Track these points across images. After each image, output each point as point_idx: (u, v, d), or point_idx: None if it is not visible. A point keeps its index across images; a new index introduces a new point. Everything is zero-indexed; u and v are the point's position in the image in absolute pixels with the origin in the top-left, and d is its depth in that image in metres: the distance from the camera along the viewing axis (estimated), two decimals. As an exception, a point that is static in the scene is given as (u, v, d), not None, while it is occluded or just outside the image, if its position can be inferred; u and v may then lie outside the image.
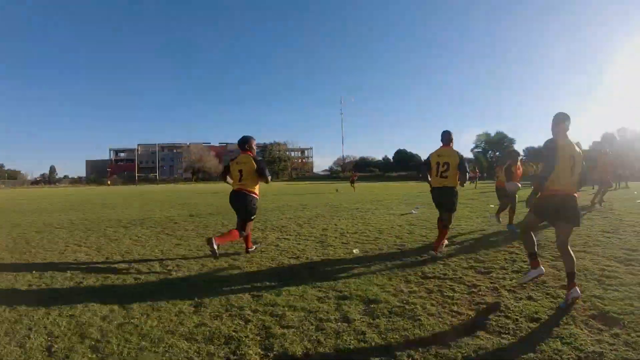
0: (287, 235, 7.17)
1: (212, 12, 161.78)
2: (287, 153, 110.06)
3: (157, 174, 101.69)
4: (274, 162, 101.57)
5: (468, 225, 8.07)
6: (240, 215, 5.36)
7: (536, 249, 3.90)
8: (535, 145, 74.10)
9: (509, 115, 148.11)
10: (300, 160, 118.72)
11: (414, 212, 10.44)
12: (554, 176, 3.53)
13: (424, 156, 61.96)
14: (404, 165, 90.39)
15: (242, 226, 5.36)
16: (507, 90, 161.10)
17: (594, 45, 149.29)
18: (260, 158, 5.40)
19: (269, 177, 5.28)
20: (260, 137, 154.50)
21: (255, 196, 5.36)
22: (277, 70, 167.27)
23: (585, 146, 67.65)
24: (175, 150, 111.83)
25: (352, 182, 26.32)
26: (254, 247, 5.84)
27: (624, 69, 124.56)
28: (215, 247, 4.85)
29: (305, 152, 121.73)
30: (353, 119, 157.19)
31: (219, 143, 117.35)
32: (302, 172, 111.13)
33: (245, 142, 5.39)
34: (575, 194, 3.62)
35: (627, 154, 40.22)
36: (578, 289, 3.44)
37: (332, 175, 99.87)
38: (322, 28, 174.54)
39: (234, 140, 60.44)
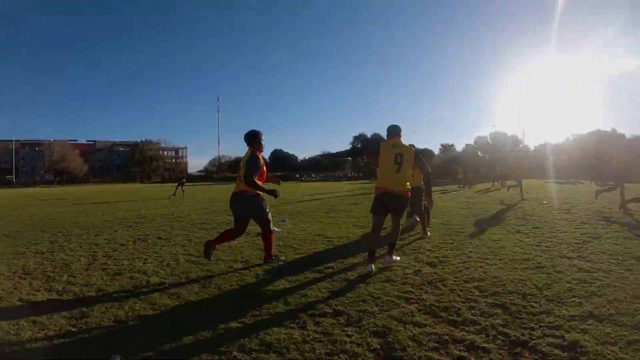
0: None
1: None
2: (160, 152, 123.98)
3: (14, 175, 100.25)
4: (145, 162, 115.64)
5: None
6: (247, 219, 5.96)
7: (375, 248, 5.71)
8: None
9: (384, 116, 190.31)
10: (174, 161, 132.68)
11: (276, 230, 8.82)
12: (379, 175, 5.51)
13: (300, 157, 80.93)
14: (280, 165, 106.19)
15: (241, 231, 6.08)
16: (377, 92, 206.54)
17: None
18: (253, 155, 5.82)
19: (250, 176, 5.56)
20: (131, 135, 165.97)
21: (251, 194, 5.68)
22: (151, 66, 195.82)
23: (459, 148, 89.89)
24: (37, 149, 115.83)
25: (181, 185, 26.62)
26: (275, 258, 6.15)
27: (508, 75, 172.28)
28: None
29: (180, 151, 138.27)
30: (231, 118, 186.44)
31: (87, 141, 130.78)
32: (176, 172, 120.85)
33: (247, 137, 5.96)
34: (396, 190, 5.53)
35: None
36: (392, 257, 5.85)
37: (207, 176, 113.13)
38: (198, 24, 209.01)
39: (103, 137, 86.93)
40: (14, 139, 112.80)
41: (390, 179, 5.61)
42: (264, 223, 6.03)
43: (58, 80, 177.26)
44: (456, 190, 26.71)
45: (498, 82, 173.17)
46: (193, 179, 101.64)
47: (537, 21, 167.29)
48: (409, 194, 5.81)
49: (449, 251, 6.97)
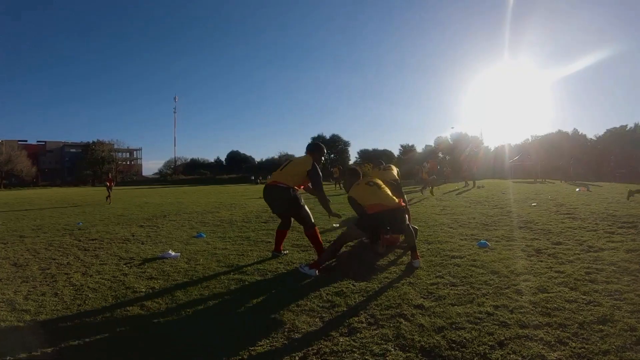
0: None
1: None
2: (113, 154, 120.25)
3: None
4: (97, 164, 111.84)
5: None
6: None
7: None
8: (369, 148, 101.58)
9: (341, 119, 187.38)
10: (127, 162, 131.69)
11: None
12: None
13: (257, 158, 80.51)
14: (236, 167, 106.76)
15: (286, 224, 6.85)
16: (343, 94, 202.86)
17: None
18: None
19: (320, 184, 6.49)
20: (82, 135, 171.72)
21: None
22: (102, 62, 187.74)
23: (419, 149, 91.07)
24: None
25: (109, 189, 23.87)
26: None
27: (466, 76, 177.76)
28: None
29: (134, 153, 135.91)
30: (187, 119, 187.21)
31: (37, 141, 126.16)
32: (130, 175, 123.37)
33: (312, 146, 6.73)
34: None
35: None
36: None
37: (160, 178, 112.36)
38: (153, 21, 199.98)
39: (54, 138, 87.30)
40: None
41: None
42: (302, 219, 6.41)
43: (6, 77, 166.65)
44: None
45: (456, 84, 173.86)
46: (146, 182, 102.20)
47: (490, 25, 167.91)
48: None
49: (458, 309, 4.25)
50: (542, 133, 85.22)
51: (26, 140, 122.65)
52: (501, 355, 3.16)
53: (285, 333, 3.73)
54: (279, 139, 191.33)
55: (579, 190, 20.63)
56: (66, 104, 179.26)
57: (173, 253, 7.39)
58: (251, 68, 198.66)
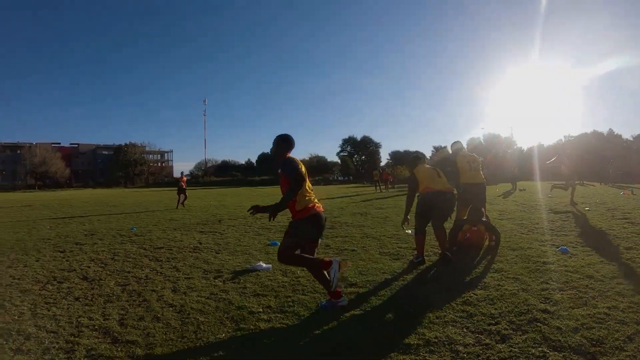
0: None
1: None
2: (145, 156, 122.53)
3: None
4: (129, 166, 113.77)
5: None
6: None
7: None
8: (401, 149, 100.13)
9: (371, 120, 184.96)
10: (158, 164, 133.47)
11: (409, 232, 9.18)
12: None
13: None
14: (267, 168, 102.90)
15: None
16: (372, 97, 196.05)
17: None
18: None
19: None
20: (114, 138, 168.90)
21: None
22: (135, 67, 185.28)
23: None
24: (18, 152, 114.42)
25: (182, 191, 21.52)
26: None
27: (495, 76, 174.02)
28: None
29: (165, 155, 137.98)
30: (217, 121, 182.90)
31: (70, 144, 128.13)
32: (161, 177, 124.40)
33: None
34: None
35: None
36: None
37: (192, 180, 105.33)
38: (183, 27, 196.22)
39: (87, 140, 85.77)
40: None
41: None
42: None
43: (41, 82, 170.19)
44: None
45: (487, 84, 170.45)
46: (177, 183, 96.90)
47: (522, 23, 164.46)
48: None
49: (578, 311, 4.50)
50: (575, 133, 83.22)
51: (59, 143, 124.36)
52: (634, 347, 3.50)
53: (447, 346, 3.66)
54: (309, 140, 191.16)
55: (623, 193, 20.29)
56: (98, 107, 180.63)
57: (264, 264, 6.85)
58: (279, 69, 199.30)
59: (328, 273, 4.68)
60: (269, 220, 4.57)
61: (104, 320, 4.87)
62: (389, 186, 36.34)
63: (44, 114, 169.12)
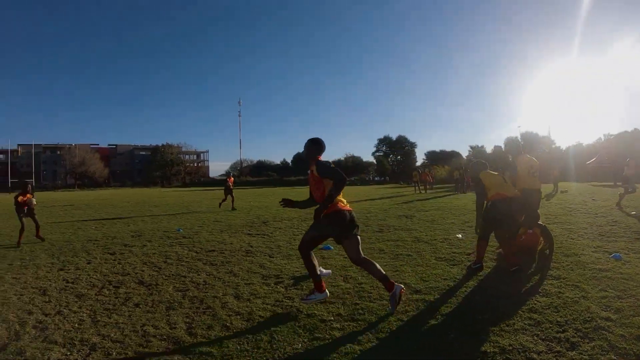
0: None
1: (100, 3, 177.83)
2: (181, 156, 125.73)
3: (33, 179, 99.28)
4: (166, 166, 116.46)
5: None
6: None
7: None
8: (437, 149, 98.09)
9: (405, 120, 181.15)
10: (195, 165, 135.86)
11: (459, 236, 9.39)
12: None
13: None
14: (302, 168, 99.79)
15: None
16: (407, 95, 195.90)
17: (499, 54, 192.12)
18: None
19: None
20: (151, 139, 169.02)
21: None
22: (171, 69, 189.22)
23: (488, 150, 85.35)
24: (58, 152, 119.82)
25: (229, 191, 21.15)
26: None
27: (531, 73, 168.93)
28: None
29: (201, 155, 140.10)
30: (252, 121, 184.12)
31: (108, 145, 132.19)
32: (197, 176, 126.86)
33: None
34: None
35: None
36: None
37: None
38: (217, 27, 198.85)
39: (125, 141, 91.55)
40: (33, 142, 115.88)
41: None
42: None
43: (80, 85, 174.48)
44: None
45: (523, 80, 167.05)
46: (213, 183, 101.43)
47: (561, 20, 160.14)
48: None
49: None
50: (615, 132, 78.75)
51: (98, 144, 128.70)
52: None
53: (522, 354, 3.66)
54: (344, 140, 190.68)
55: None
56: (136, 109, 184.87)
57: (324, 270, 6.58)
58: (314, 69, 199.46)
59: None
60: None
61: (170, 329, 4.66)
62: (428, 187, 35.47)
63: (82, 116, 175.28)
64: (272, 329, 4.39)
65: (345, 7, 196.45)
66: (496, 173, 6.96)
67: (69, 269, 7.82)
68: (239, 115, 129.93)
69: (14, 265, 8.22)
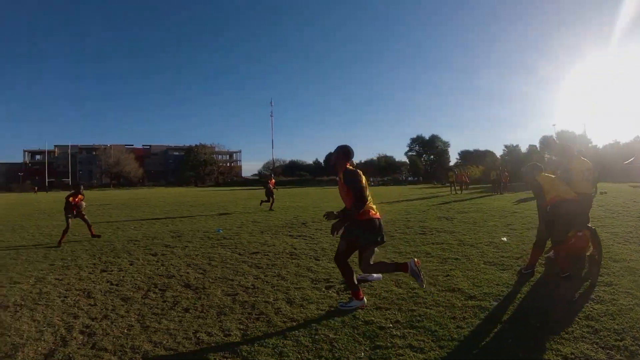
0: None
1: (138, 12, 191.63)
2: (214, 156, 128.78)
3: (69, 178, 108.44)
4: (199, 166, 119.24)
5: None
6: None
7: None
8: (470, 148, 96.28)
9: (441, 119, 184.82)
10: (227, 164, 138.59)
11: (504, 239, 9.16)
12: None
13: (355, 160, 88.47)
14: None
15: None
16: (439, 94, 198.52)
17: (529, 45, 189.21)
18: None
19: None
20: (185, 139, 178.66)
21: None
22: (204, 70, 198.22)
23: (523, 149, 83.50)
24: (94, 153, 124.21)
25: (270, 194, 20.46)
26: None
27: (564, 69, 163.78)
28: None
29: (234, 155, 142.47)
30: (285, 121, 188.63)
31: (142, 145, 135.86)
32: (230, 176, 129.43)
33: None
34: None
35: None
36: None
37: (261, 179, 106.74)
38: (249, 25, 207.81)
39: (159, 142, 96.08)
40: (70, 143, 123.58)
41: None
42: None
43: (115, 87, 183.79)
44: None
45: (557, 78, 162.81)
46: (246, 183, 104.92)
47: (596, 15, 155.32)
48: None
49: None
50: None
51: (132, 145, 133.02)
52: None
53: None
54: (376, 140, 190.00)
55: None
56: (170, 110, 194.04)
57: (375, 275, 6.41)
58: (345, 68, 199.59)
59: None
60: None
61: (224, 336, 4.45)
62: (463, 187, 34.81)
63: (117, 118, 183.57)
64: (331, 336, 4.23)
65: (383, 8, 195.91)
66: (553, 175, 6.88)
67: (112, 270, 7.71)
68: (271, 116, 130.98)
69: (56, 266, 8.19)
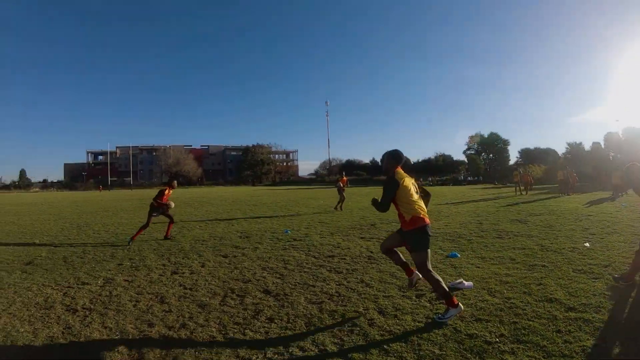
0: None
1: (196, 11, 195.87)
2: (271, 156, 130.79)
3: (131, 178, 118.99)
4: (256, 166, 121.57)
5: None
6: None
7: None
8: (531, 147, 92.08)
9: (498, 116, 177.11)
10: (284, 164, 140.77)
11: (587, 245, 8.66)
12: None
13: (413, 158, 73.43)
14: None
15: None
16: (496, 91, 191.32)
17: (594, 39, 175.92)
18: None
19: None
20: (242, 139, 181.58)
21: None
22: (261, 71, 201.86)
23: (586, 147, 78.30)
24: (154, 153, 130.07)
25: (342, 192, 19.78)
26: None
27: (628, 64, 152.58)
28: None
29: (291, 155, 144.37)
30: (340, 120, 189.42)
31: (201, 146, 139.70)
32: (287, 175, 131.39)
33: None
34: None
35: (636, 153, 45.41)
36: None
37: (317, 179, 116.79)
38: (306, 29, 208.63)
39: (216, 142, 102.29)
40: (131, 144, 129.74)
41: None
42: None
43: (175, 89, 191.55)
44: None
45: (621, 70, 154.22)
46: (303, 182, 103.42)
47: None
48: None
49: None
50: None
51: (191, 145, 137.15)
52: None
53: None
54: (435, 139, 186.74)
55: None
56: (227, 111, 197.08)
57: (466, 282, 6.12)
58: (401, 67, 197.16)
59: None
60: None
61: (319, 351, 4.05)
62: (528, 188, 32.87)
63: (176, 119, 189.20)
64: (436, 352, 3.91)
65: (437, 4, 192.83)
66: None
67: (184, 272, 7.46)
68: (327, 115, 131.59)
69: (124, 266, 8.07)
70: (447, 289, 4.71)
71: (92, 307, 5.53)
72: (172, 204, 11.53)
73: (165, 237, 11.35)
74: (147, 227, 11.13)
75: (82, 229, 14.67)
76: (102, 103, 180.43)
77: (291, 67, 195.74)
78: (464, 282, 6.10)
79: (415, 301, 5.41)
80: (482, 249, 8.86)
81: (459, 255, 8.12)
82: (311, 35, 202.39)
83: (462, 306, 4.72)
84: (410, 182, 4.95)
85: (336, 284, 6.38)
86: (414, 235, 4.77)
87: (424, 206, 4.93)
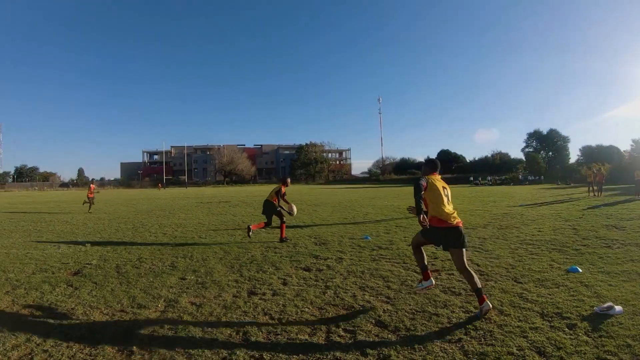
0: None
1: (243, 12, 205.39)
2: (324, 155, 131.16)
3: (185, 176, 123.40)
4: (310, 164, 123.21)
5: None
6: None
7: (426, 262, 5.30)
8: (592, 144, 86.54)
9: (556, 112, 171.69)
10: (337, 162, 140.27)
11: None
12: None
13: (469, 157, 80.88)
14: (446, 167, 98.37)
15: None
16: (555, 85, 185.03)
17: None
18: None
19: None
20: (296, 138, 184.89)
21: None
22: (314, 70, 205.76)
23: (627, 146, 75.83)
24: (208, 152, 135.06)
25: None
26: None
27: None
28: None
29: (344, 153, 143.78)
30: (394, 118, 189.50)
31: (254, 145, 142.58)
32: (340, 174, 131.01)
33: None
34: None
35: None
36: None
37: (371, 177, 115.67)
38: (359, 24, 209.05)
39: (269, 141, 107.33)
40: (185, 144, 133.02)
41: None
42: None
43: (228, 90, 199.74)
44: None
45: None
46: (356, 181, 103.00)
47: None
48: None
49: None
50: None
51: (244, 145, 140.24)
52: None
53: None
54: (488, 135, 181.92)
55: None
56: (279, 111, 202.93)
57: (617, 307, 4.99)
58: (454, 64, 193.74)
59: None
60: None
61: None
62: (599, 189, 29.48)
63: (229, 119, 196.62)
64: None
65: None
66: None
67: (264, 294, 6.11)
68: (380, 113, 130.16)
69: (188, 281, 6.86)
70: (479, 287, 4.94)
71: (150, 348, 4.20)
72: (295, 209, 11.08)
73: (281, 239, 10.81)
74: (268, 225, 11.16)
75: (137, 230, 14.02)
76: (157, 105, 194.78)
77: (343, 65, 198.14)
78: (615, 306, 4.99)
79: (572, 334, 4.30)
80: (599, 260, 7.67)
81: (580, 270, 6.94)
82: (363, 31, 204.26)
83: (433, 281, 5.50)
84: (440, 186, 5.23)
85: (462, 311, 5.13)
86: (433, 231, 5.11)
87: (450, 209, 5.12)
